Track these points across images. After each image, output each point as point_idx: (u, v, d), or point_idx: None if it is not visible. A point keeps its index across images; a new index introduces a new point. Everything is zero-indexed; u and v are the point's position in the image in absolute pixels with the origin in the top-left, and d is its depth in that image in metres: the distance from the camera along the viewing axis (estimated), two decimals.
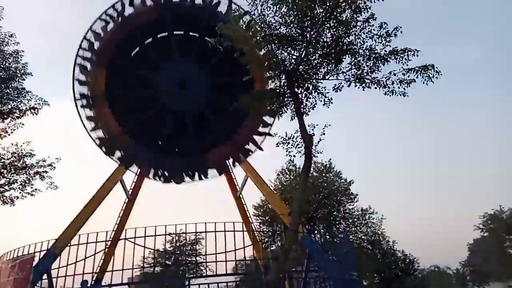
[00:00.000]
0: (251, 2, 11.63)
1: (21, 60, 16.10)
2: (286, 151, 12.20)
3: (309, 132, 11.76)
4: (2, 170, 16.09)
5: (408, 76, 10.68)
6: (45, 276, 14.24)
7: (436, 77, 10.37)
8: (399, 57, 10.67)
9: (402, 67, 10.72)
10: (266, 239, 23.85)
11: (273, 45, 11.82)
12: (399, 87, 10.86)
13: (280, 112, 12.92)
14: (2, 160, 16.10)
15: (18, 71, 15.93)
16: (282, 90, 12.47)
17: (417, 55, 10.53)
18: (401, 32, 10.69)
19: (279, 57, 11.99)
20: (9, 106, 15.82)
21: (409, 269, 33.67)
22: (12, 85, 15.92)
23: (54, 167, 16.73)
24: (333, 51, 11.45)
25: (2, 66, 15.56)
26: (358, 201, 31.14)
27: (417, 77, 10.59)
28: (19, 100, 15.98)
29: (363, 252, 29.25)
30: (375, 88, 11.15)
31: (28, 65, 16.14)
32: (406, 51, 10.57)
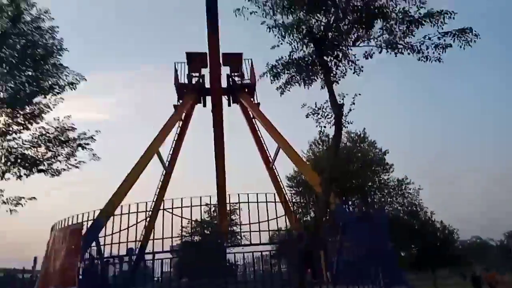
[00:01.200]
0: None
1: (56, 36, 16.61)
2: (316, 122, 12.04)
3: (339, 101, 11.49)
4: (48, 144, 17.03)
5: (444, 41, 10.05)
6: (93, 244, 15.20)
7: (475, 41, 9.67)
8: (434, 20, 10.00)
9: (437, 31, 10.08)
10: (300, 210, 24.08)
11: (300, 11, 11.48)
12: (433, 52, 10.27)
13: (310, 82, 12.65)
14: (48, 135, 16.99)
15: (55, 47, 16.47)
16: (310, 58, 12.14)
17: (453, 18, 9.82)
18: None
19: (307, 24, 11.63)
20: (49, 82, 16.51)
21: (448, 240, 33.00)
22: (50, 61, 16.53)
23: (95, 140, 17.52)
24: (363, 15, 10.94)
25: (40, 43, 16.13)
26: (393, 171, 30.50)
27: (453, 42, 9.94)
28: (57, 76, 16.62)
29: (399, 223, 28.88)
30: (408, 53, 10.59)
31: (63, 40, 16.70)
32: (442, 13, 9.88)
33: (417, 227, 31.21)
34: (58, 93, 16.72)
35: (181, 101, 23.16)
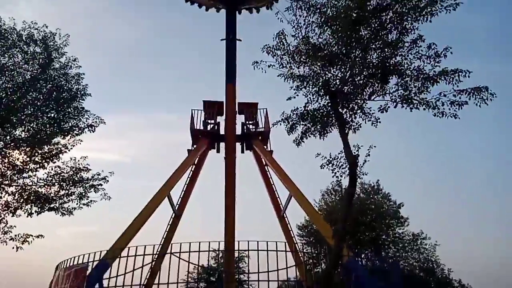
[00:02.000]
0: (295, 25, 11.86)
1: (82, 82, 17.48)
2: (332, 172, 12.03)
3: (354, 152, 11.52)
4: (62, 183, 17.31)
5: (460, 98, 10.19)
6: (97, 285, 14.87)
7: (491, 99, 9.78)
8: (449, 78, 10.22)
9: (453, 88, 10.26)
10: (311, 261, 23.35)
11: (316, 65, 11.90)
12: (449, 109, 10.37)
13: (325, 133, 12.80)
14: (62, 174, 17.32)
15: (79, 92, 17.28)
16: (325, 110, 12.37)
17: (468, 76, 10.01)
18: (451, 52, 10.25)
19: (323, 77, 11.99)
20: (70, 124, 17.13)
21: None
22: (73, 104, 17.24)
23: (107, 180, 17.75)
24: (379, 71, 11.25)
25: (65, 87, 16.94)
26: (408, 225, 29.71)
27: (469, 99, 10.07)
28: (78, 118, 17.27)
29: (414, 279, 27.65)
30: (424, 109, 10.71)
31: (88, 86, 17.54)
32: (457, 72, 10.11)
33: (433, 285, 29.80)
34: (77, 134, 17.28)
35: (195, 146, 23.50)
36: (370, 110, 11.71)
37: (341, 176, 11.92)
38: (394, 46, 10.86)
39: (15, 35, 16.09)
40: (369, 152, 11.40)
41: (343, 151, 11.71)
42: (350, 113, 12.03)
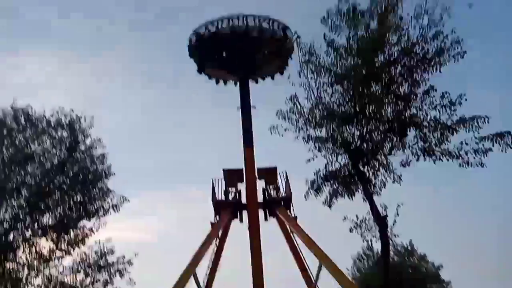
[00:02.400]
0: (307, 86, 12.18)
1: (106, 162, 17.96)
2: (361, 236, 11.59)
3: (382, 213, 11.13)
4: (87, 270, 16.88)
5: (483, 145, 9.93)
6: None
7: None
8: (468, 125, 10.08)
9: (474, 136, 10.06)
10: None
11: (332, 125, 12.00)
12: (474, 158, 10.07)
13: (351, 193, 12.47)
14: (88, 260, 16.98)
15: (103, 173, 17.66)
16: (346, 169, 12.22)
17: (488, 122, 9.87)
18: (465, 99, 10.28)
19: (340, 136, 12.02)
20: (95, 206, 17.24)
21: None
22: (98, 186, 17.54)
23: (132, 263, 17.33)
24: (395, 125, 11.24)
25: (90, 169, 17.40)
26: None
27: (493, 145, 9.79)
28: (103, 199, 17.42)
29: None
30: (447, 160, 10.44)
31: (112, 166, 17.95)
32: (475, 118, 9.98)
33: None
34: (101, 216, 17.29)
35: (217, 217, 23.14)
36: (393, 166, 11.49)
37: (372, 239, 11.48)
38: (407, 98, 10.97)
39: (45, 122, 17.02)
40: (397, 211, 11.02)
41: (369, 212, 11.35)
42: (372, 170, 11.83)
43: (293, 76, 12.41)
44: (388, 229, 10.86)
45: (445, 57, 10.27)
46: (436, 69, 10.44)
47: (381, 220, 10.76)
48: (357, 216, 11.54)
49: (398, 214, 10.91)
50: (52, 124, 17.07)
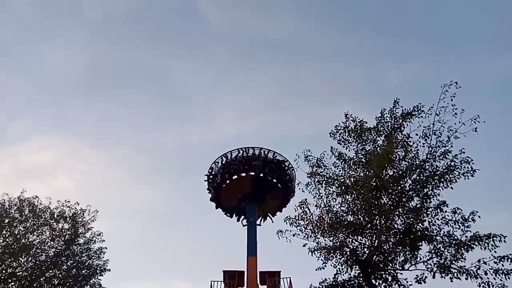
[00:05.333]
0: (316, 194, 12.26)
1: (103, 257, 17.23)
2: None
3: None
4: None
5: (503, 265, 9.41)
6: None
7: None
8: (483, 243, 9.72)
9: (491, 255, 9.61)
10: None
11: (341, 233, 11.72)
12: (494, 278, 9.46)
13: None
14: None
15: (98, 268, 16.84)
16: (356, 281, 11.54)
17: (505, 241, 9.52)
18: (479, 216, 10.07)
19: (350, 246, 11.64)
20: None
21: None
22: (91, 281, 16.60)
23: None
24: (406, 238, 10.90)
25: (86, 264, 16.64)
26: None
27: None
28: None
29: None
30: (466, 279, 9.81)
31: (109, 262, 17.18)
32: (491, 236, 9.64)
33: None
34: None
35: None
36: (407, 282, 10.83)
37: None
38: (418, 212, 10.82)
39: (48, 213, 16.84)
40: None
41: None
42: (384, 284, 11.16)
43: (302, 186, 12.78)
44: None
45: (455, 174, 10.35)
46: (447, 185, 10.45)
47: None
48: None
49: None
50: (55, 216, 16.92)
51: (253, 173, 21.44)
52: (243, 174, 21.41)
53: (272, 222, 23.05)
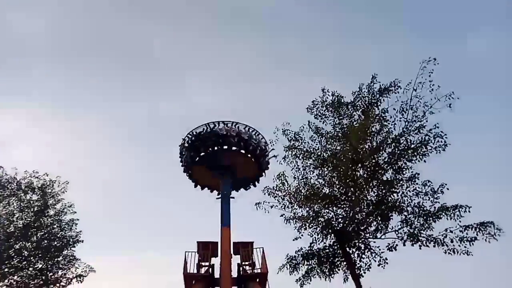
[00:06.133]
0: (294, 166, 12.50)
1: (76, 228, 16.90)
2: None
3: None
4: None
5: (467, 234, 10.14)
6: None
7: (499, 235, 9.77)
8: (450, 213, 10.37)
9: (458, 224, 10.30)
10: None
11: (317, 205, 12.11)
12: (459, 245, 10.19)
13: (331, 274, 12.22)
14: None
15: (71, 239, 16.55)
16: (331, 250, 12.08)
17: (469, 211, 10.20)
18: (447, 188, 10.69)
19: (325, 216, 12.08)
20: (57, 275, 15.88)
21: None
22: (64, 252, 16.33)
23: None
24: (379, 209, 11.42)
25: (58, 235, 16.30)
26: None
27: (477, 235, 10.01)
28: (67, 267, 16.13)
29: None
30: (434, 246, 10.50)
31: (82, 233, 16.89)
32: (457, 207, 10.31)
33: None
34: (63, 286, 15.90)
35: None
36: (379, 249, 11.45)
37: None
38: (390, 184, 11.30)
39: (15, 184, 16.22)
40: None
41: None
42: (358, 252, 11.75)
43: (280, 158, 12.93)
44: None
45: (428, 148, 10.82)
46: (420, 159, 10.93)
47: None
48: None
49: None
50: (23, 187, 16.29)
51: (226, 147, 21.45)
52: (216, 148, 21.35)
53: (246, 190, 23.11)
